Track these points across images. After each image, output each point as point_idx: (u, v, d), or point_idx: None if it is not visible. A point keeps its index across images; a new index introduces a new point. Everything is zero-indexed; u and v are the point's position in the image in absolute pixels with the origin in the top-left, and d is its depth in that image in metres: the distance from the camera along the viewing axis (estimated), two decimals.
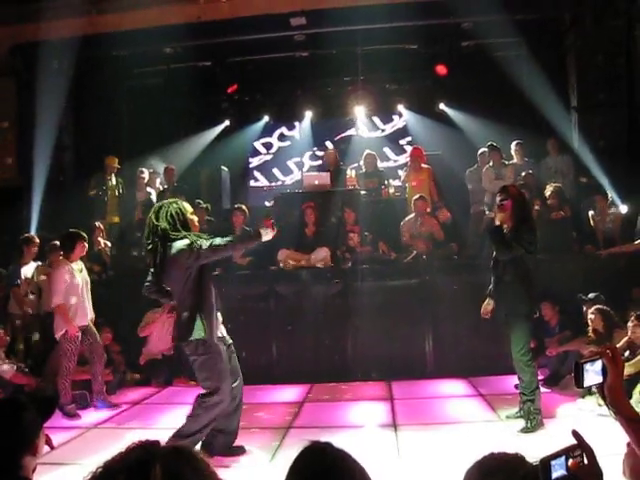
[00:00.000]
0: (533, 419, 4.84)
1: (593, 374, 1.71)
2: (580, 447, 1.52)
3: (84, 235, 6.27)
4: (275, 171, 11.96)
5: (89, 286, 6.28)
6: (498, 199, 5.08)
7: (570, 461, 1.48)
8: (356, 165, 9.90)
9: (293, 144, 11.94)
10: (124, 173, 9.79)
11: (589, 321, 5.85)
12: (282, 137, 12.07)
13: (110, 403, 6.19)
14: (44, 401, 2.24)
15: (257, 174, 11.99)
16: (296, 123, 11.87)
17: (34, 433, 2.06)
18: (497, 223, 5.03)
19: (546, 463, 1.47)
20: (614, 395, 1.69)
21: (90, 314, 6.24)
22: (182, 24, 9.04)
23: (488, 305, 5.24)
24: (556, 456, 1.48)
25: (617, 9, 8.96)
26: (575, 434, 1.55)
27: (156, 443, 1.39)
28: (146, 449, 1.36)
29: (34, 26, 8.72)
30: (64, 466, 4.33)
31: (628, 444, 1.79)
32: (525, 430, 4.82)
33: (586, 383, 1.72)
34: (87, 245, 6.32)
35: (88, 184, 9.32)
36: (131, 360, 7.29)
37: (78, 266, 6.18)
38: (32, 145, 9.19)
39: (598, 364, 1.70)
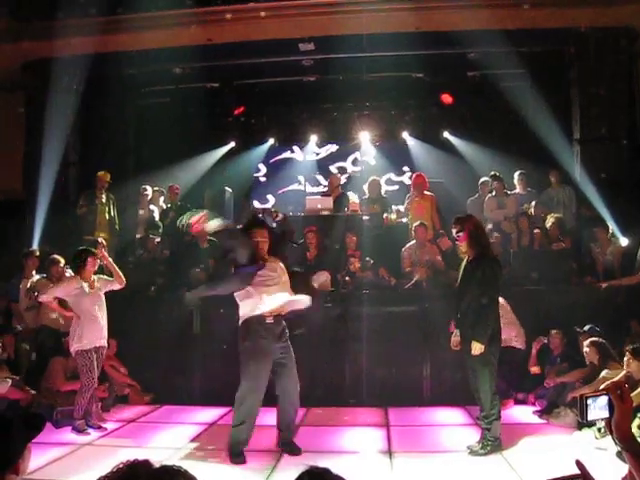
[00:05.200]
0: (486, 445, 4.97)
1: (598, 408, 1.72)
2: (583, 478, 1.53)
3: (94, 251, 6.27)
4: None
5: (103, 302, 6.19)
6: (454, 231, 5.24)
7: None
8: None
9: (296, 167, 12.04)
10: (128, 190, 9.84)
11: (584, 353, 5.85)
12: (286, 160, 12.18)
13: (95, 424, 6.04)
14: (33, 420, 2.23)
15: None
16: (300, 146, 11.99)
17: (17, 452, 2.05)
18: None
19: None
20: (621, 431, 1.70)
21: (105, 333, 6.14)
22: (192, 45, 9.18)
23: (456, 337, 5.24)
24: None
25: (619, 45, 9.11)
26: (579, 464, 1.56)
27: (145, 462, 1.39)
28: (133, 468, 1.36)
29: (46, 43, 8.83)
30: None
31: (624, 478, 1.80)
32: (474, 453, 4.94)
33: (590, 417, 1.73)
34: (98, 261, 6.30)
35: (78, 201, 9.26)
36: (136, 377, 7.24)
37: (91, 281, 6.14)
38: (38, 160, 9.23)
39: (603, 399, 1.72)
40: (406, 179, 11.37)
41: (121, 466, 1.37)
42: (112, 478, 1.36)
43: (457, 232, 5.16)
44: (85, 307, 6.01)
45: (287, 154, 12.06)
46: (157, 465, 1.40)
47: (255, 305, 4.88)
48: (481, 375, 4.99)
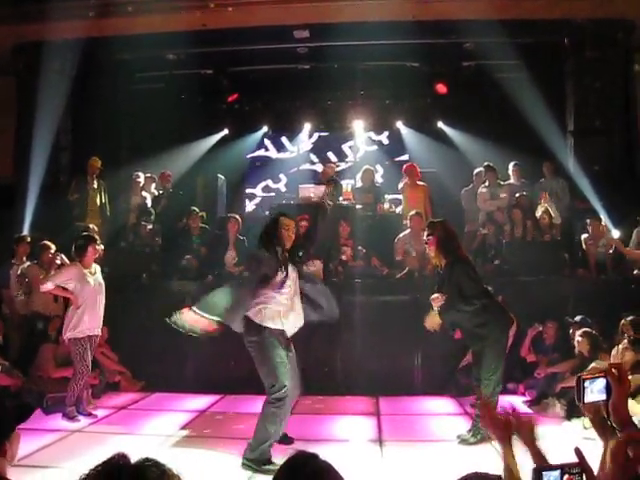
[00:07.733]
0: (476, 434, 4.95)
1: (595, 391, 1.70)
2: (580, 466, 1.52)
3: (95, 237, 6.20)
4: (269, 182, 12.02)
5: (103, 290, 6.12)
6: (424, 234, 5.29)
7: (566, 476, 1.48)
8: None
9: (290, 155, 11.99)
10: (120, 177, 9.76)
11: (575, 344, 5.88)
12: (280, 148, 12.12)
13: (85, 411, 6.01)
14: (21, 407, 2.24)
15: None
16: (295, 134, 11.93)
17: (5, 435, 2.06)
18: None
19: (538, 472, 1.46)
20: (619, 413, 1.68)
21: (100, 322, 6.10)
22: (186, 31, 9.08)
23: (434, 317, 5.18)
24: (551, 468, 1.48)
25: (615, 37, 9.09)
26: (578, 452, 1.55)
27: (123, 457, 1.38)
28: (113, 464, 1.36)
29: (37, 26, 8.70)
30: (44, 469, 4.27)
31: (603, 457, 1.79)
32: (464, 441, 4.94)
33: (587, 399, 1.70)
34: (99, 248, 6.23)
35: (69, 187, 9.18)
36: (127, 364, 7.22)
37: (92, 269, 6.08)
38: (30, 145, 9.13)
39: (600, 382, 1.69)
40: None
41: (102, 463, 1.37)
42: (94, 475, 1.35)
43: (427, 236, 5.17)
44: (86, 295, 5.93)
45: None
46: (139, 458, 1.39)
47: None
48: (485, 362, 4.97)
